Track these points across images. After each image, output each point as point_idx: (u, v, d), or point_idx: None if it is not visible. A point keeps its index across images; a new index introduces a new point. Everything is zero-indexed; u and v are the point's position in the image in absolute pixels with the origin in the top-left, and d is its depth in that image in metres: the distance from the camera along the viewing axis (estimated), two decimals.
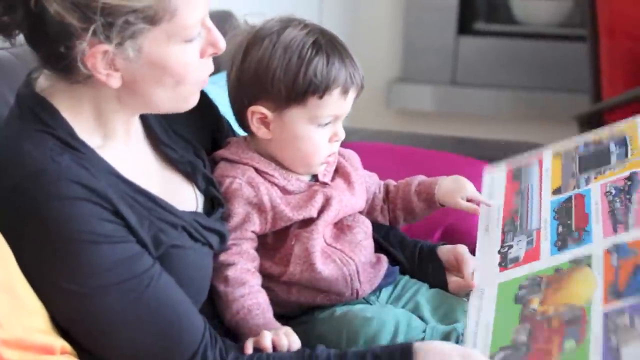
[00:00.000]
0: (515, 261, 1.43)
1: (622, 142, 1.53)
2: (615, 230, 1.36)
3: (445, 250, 1.62)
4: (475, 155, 2.25)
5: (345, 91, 1.47)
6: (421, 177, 1.64)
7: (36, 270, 1.25)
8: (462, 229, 1.64)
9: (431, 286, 1.58)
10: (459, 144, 2.54)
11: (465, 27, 3.77)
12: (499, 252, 1.47)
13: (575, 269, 1.34)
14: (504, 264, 1.45)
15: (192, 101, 1.36)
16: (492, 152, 1.73)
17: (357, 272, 1.51)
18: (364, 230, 1.55)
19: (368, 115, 3.63)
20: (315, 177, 1.54)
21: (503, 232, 1.51)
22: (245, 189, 1.47)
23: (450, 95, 3.76)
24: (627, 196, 1.42)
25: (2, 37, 1.28)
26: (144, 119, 1.43)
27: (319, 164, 1.51)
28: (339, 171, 1.56)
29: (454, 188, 1.59)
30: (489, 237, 1.52)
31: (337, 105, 1.47)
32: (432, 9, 3.71)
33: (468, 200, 1.58)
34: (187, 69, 1.30)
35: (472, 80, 3.74)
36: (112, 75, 1.26)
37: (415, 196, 1.61)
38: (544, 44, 3.67)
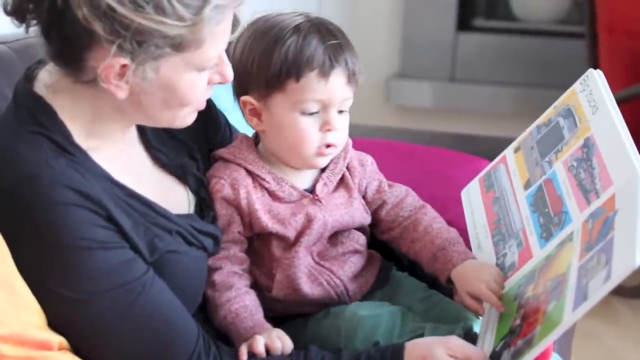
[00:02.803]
0: (513, 267, 1.43)
1: (569, 114, 1.51)
2: (588, 202, 1.35)
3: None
4: (474, 151, 2.25)
5: (323, 74, 1.40)
6: (447, 240, 1.47)
7: (30, 272, 1.25)
8: (461, 226, 1.63)
9: (431, 286, 1.54)
10: (457, 141, 2.54)
11: (464, 23, 3.76)
12: (497, 264, 1.46)
13: (560, 249, 1.35)
14: (504, 274, 1.44)
15: (189, 120, 1.36)
16: (491, 148, 1.72)
17: (346, 290, 1.48)
18: (355, 248, 1.51)
19: (367, 111, 3.62)
20: (313, 188, 1.48)
21: (495, 245, 1.50)
22: (226, 189, 1.44)
23: (449, 92, 3.75)
24: (588, 162, 1.40)
25: (17, 21, 1.27)
26: None
27: (312, 155, 1.44)
28: (343, 181, 1.50)
29: (472, 277, 1.41)
30: (483, 254, 1.52)
31: (318, 90, 1.40)
32: (431, 5, 3.70)
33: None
34: (195, 94, 1.31)
35: (471, 77, 3.74)
36: (120, 87, 1.26)
37: (431, 260, 1.47)
38: (543, 41, 3.67)
